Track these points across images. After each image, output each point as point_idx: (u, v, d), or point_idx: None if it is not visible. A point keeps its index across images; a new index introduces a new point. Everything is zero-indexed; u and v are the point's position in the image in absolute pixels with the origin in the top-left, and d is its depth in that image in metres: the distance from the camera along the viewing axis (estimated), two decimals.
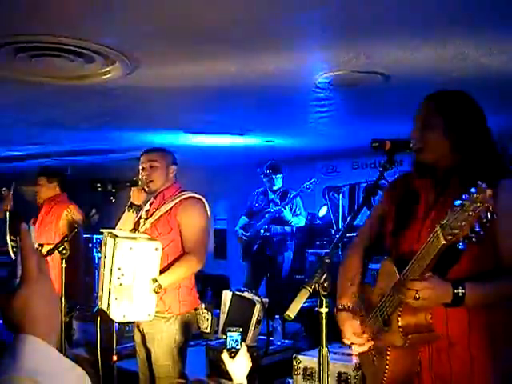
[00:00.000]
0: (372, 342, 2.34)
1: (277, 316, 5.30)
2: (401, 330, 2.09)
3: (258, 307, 4.96)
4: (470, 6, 2.96)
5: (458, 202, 1.77)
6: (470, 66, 3.93)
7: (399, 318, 2.10)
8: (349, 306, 2.46)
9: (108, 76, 4.14)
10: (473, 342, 2.15)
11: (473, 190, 1.74)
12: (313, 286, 1.86)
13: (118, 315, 3.28)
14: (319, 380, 1.94)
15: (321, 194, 8.74)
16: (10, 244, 5.07)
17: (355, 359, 4.37)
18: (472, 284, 2.03)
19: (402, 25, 3.24)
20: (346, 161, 8.78)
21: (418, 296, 1.97)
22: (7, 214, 5.20)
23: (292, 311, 1.82)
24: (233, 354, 2.57)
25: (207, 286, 7.73)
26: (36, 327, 0.99)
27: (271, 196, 7.30)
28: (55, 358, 1.00)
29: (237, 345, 2.60)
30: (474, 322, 2.15)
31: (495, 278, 2.10)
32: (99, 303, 3.47)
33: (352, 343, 2.39)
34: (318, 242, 7.91)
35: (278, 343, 5.20)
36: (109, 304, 3.26)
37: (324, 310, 1.90)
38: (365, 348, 2.37)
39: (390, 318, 2.18)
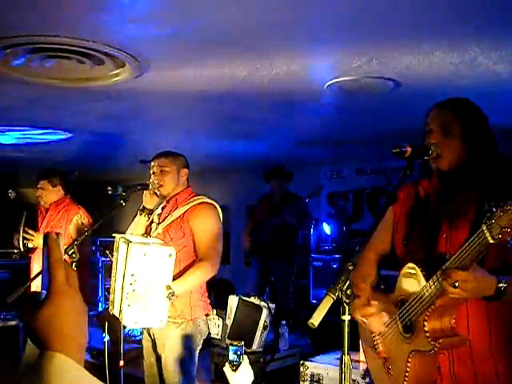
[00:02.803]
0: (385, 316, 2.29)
1: (283, 322, 5.28)
2: (427, 334, 2.08)
3: (264, 313, 4.94)
4: (482, 13, 2.95)
5: (507, 202, 1.79)
6: (482, 73, 3.92)
7: (425, 323, 2.09)
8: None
9: (117, 78, 4.12)
10: (494, 344, 2.15)
11: None
12: (337, 293, 1.83)
13: (130, 321, 3.25)
14: None
15: (325, 199, 8.74)
16: (21, 235, 4.98)
17: (363, 366, 4.35)
18: (508, 278, 2.04)
19: (414, 31, 3.23)
20: (351, 166, 8.77)
21: (457, 284, 1.95)
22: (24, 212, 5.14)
23: (316, 319, 1.79)
24: (235, 366, 2.54)
25: (210, 291, 7.69)
26: (63, 344, 0.93)
27: (277, 200, 7.25)
28: (84, 377, 0.94)
29: (239, 357, 2.58)
30: (494, 323, 2.15)
31: None
32: (110, 308, 3.43)
33: (364, 316, 2.33)
34: (322, 248, 7.88)
35: (285, 349, 5.19)
36: (121, 310, 3.22)
37: (346, 317, 1.87)
38: (381, 320, 2.30)
39: (413, 324, 2.16)
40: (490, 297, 2.03)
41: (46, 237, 1.03)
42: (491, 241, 1.84)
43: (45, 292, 0.98)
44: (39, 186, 5.23)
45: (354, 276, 2.43)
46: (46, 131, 6.33)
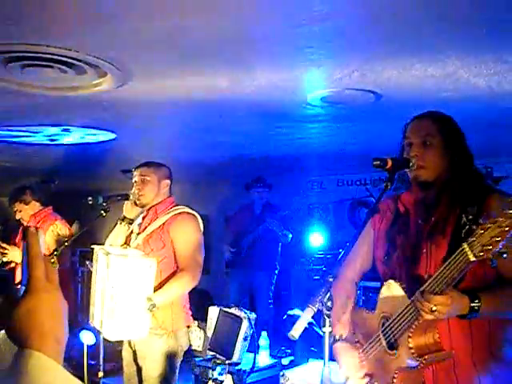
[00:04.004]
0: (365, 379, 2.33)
1: (263, 333, 5.26)
2: (412, 351, 2.09)
3: (245, 324, 4.91)
4: (463, 26, 2.98)
5: (487, 220, 1.80)
6: (462, 86, 3.95)
7: (410, 340, 2.09)
8: (342, 336, 2.45)
9: (99, 88, 4.10)
10: (476, 355, 2.17)
11: (506, 207, 1.77)
12: (317, 305, 1.84)
13: (110, 333, 3.22)
14: None
15: (307, 211, 8.74)
16: None
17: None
18: (486, 295, 2.07)
19: (395, 43, 3.25)
20: (332, 177, 8.78)
21: (434, 309, 1.97)
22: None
23: (296, 331, 1.80)
24: None
25: (189, 302, 7.63)
26: (42, 342, 0.92)
27: (258, 210, 7.24)
28: (62, 377, 0.91)
29: (221, 375, 2.57)
30: (475, 334, 2.17)
31: (503, 289, 2.14)
32: (90, 320, 3.40)
33: (349, 378, 2.37)
34: (303, 259, 7.88)
35: (264, 360, 5.16)
36: (101, 322, 3.19)
37: (327, 329, 1.88)
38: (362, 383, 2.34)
39: (397, 340, 2.17)
40: (463, 315, 2.07)
41: (25, 232, 1.02)
42: (473, 258, 1.85)
43: (24, 288, 0.97)
44: (15, 209, 5.23)
45: (334, 305, 2.46)
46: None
